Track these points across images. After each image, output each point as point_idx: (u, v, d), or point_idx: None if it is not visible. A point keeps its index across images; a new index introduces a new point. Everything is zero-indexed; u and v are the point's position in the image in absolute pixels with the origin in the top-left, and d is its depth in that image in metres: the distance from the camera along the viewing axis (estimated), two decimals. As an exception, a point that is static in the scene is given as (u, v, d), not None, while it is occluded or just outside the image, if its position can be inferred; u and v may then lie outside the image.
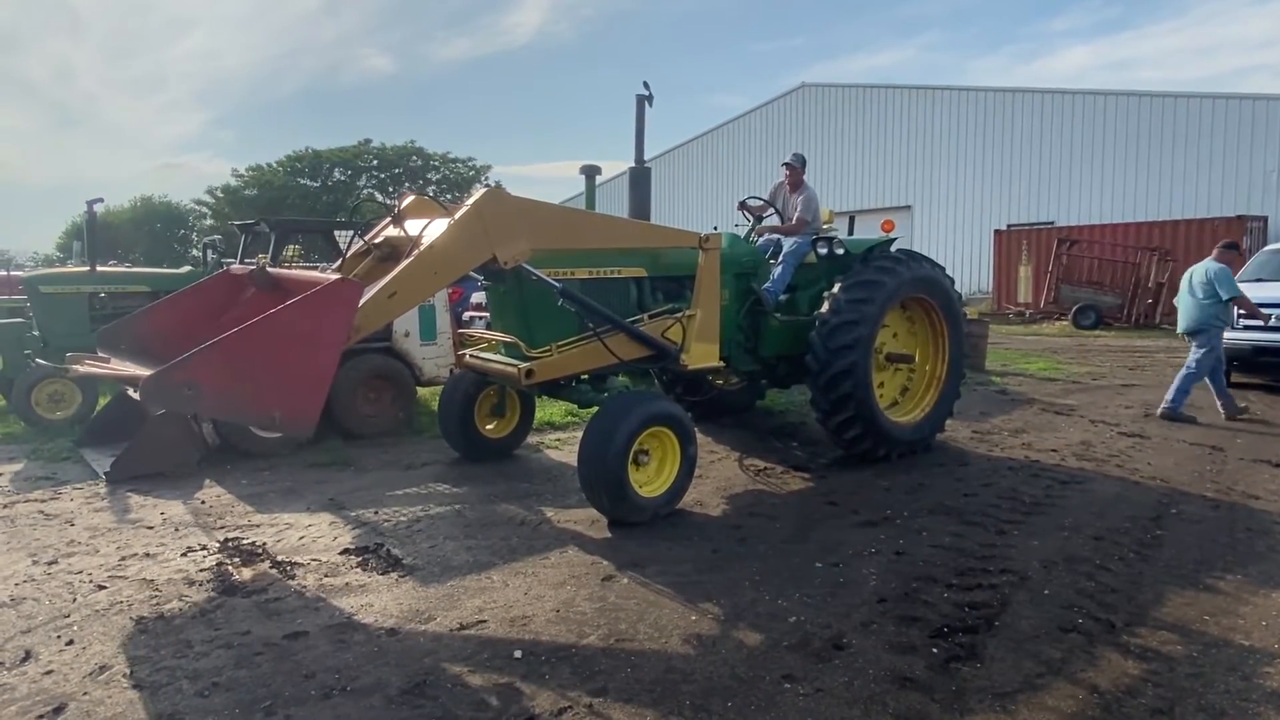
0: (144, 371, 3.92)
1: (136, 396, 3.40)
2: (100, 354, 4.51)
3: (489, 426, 6.70)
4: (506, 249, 4.62)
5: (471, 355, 5.99)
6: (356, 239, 9.30)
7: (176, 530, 4.92)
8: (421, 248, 4.38)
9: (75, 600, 3.87)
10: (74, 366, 4.20)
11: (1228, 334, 9.84)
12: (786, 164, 7.15)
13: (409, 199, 5.34)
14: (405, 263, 4.32)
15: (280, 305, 3.91)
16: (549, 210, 5.05)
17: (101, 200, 9.15)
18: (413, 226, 4.82)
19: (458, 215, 4.53)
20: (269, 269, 4.49)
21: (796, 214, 6.98)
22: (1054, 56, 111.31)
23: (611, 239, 5.48)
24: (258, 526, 5.00)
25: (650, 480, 5.09)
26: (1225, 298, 7.98)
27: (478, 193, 4.67)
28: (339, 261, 5.21)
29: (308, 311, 3.58)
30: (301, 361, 3.61)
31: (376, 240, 5.11)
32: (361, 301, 4.05)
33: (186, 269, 11.88)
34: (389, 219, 5.13)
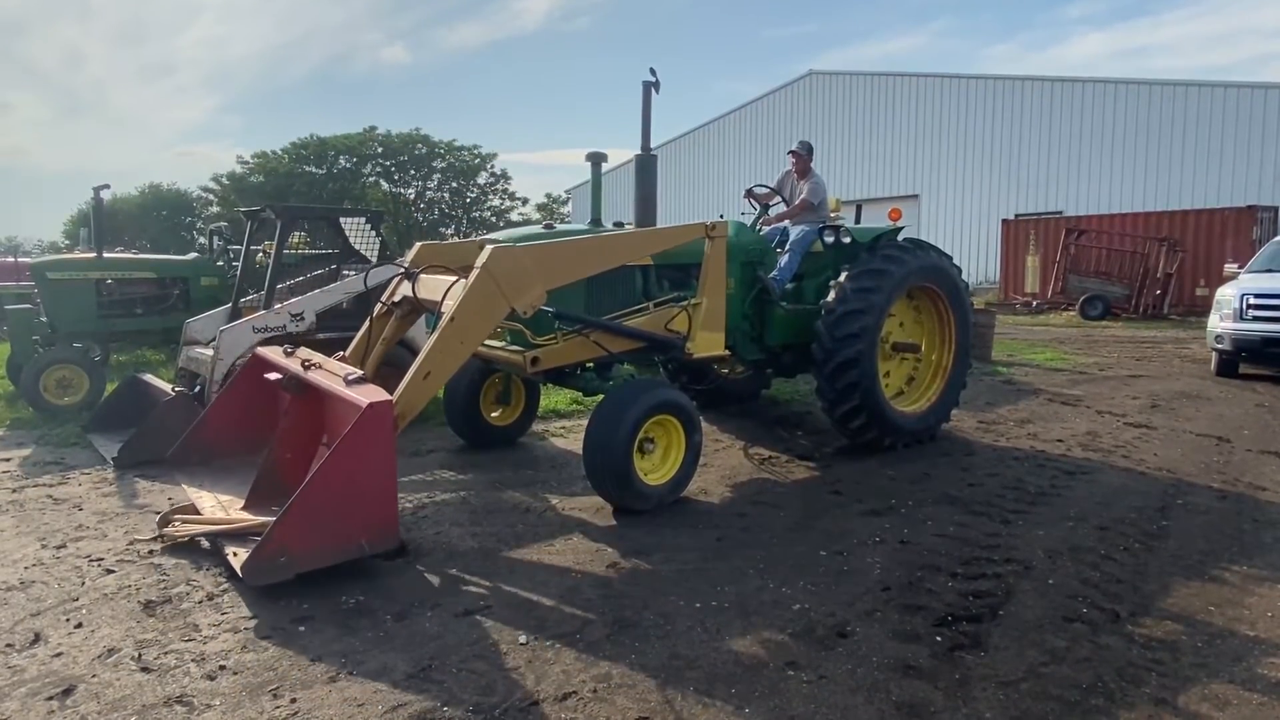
0: (226, 498, 4.57)
1: (239, 570, 3.69)
2: (177, 476, 4.97)
3: (494, 414, 6.72)
4: (523, 300, 4.68)
5: (477, 343, 5.99)
6: (364, 226, 9.30)
7: (184, 515, 4.94)
8: (443, 321, 4.47)
9: (84, 584, 3.90)
10: (168, 531, 4.38)
11: (1236, 324, 9.82)
12: (793, 151, 7.12)
13: (416, 247, 5.51)
14: (431, 340, 4.45)
15: (324, 435, 4.53)
16: (555, 249, 5.03)
17: (108, 187, 9.20)
18: (425, 284, 5.01)
19: (470, 279, 4.56)
20: (298, 376, 4.55)
21: (800, 197, 6.95)
22: (1068, 44, 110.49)
23: (620, 257, 5.40)
24: (264, 512, 5.02)
25: (655, 468, 5.10)
26: None
27: (485, 253, 4.66)
28: (366, 324, 5.24)
29: (353, 448, 3.76)
30: (364, 488, 3.84)
31: (395, 299, 5.27)
32: (398, 391, 4.26)
33: (193, 256, 11.90)
34: (402, 274, 5.28)
